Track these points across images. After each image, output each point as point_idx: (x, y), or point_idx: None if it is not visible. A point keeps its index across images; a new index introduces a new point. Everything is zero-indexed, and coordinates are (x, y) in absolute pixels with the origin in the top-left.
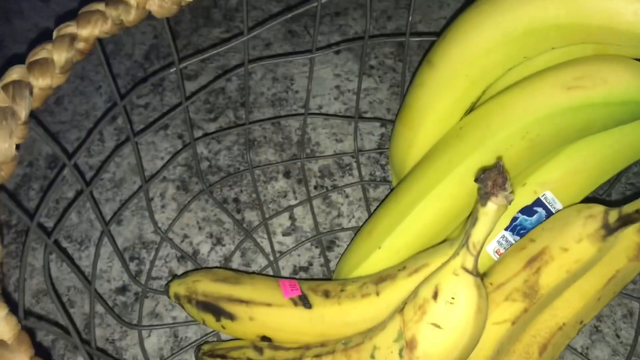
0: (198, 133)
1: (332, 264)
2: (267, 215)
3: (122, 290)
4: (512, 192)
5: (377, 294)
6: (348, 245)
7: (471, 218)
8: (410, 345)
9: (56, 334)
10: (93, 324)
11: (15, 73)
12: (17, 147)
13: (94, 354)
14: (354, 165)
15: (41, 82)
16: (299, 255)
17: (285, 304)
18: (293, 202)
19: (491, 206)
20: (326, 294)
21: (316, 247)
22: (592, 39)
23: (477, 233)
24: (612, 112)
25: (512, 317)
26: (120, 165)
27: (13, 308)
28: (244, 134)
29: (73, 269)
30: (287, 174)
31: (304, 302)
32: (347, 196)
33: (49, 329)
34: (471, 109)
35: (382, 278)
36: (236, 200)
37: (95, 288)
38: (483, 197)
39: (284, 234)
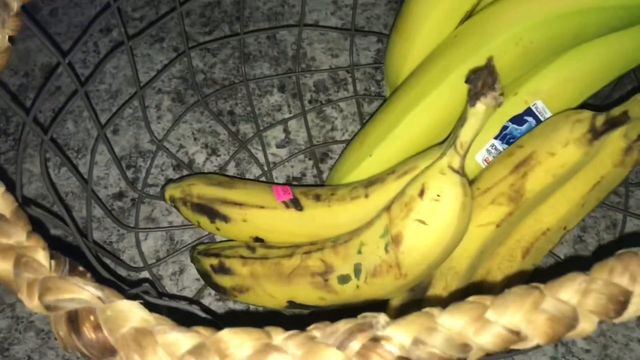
0: (193, 45)
1: (325, 175)
2: (261, 128)
3: (119, 196)
4: (501, 94)
5: (366, 196)
6: (340, 155)
7: (460, 118)
8: (396, 240)
9: (53, 223)
10: (89, 217)
11: None
12: (11, 40)
13: (92, 248)
14: (349, 80)
15: None
16: (292, 166)
17: (277, 207)
18: (287, 116)
19: (480, 106)
20: (317, 197)
21: (309, 159)
22: None
23: (465, 133)
24: (607, 18)
25: (496, 220)
26: (115, 76)
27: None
28: (239, 47)
29: (69, 167)
30: (281, 88)
31: (296, 204)
32: (341, 110)
33: (46, 216)
34: (467, 18)
35: (371, 182)
36: (231, 112)
37: (93, 189)
38: (472, 97)
39: (278, 146)
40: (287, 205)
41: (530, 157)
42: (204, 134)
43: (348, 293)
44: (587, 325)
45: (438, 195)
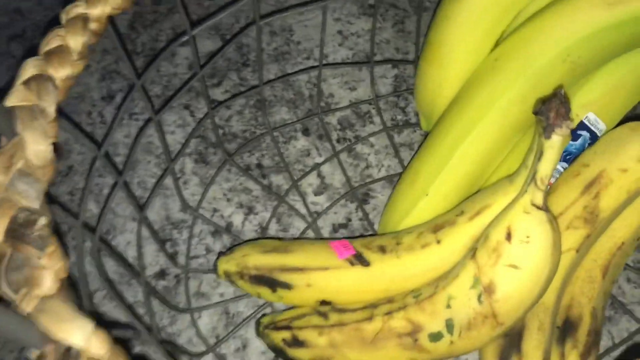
0: (205, 101)
1: (371, 217)
2: (294, 177)
3: (161, 274)
4: (573, 120)
5: (438, 242)
6: (390, 197)
7: (534, 152)
8: (489, 289)
9: (131, 336)
10: (153, 316)
11: (33, 67)
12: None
13: (164, 347)
14: (373, 112)
15: (62, 73)
16: (335, 213)
17: (341, 266)
18: (318, 160)
19: (556, 138)
20: (382, 249)
21: (351, 202)
22: None
23: (544, 167)
24: None
25: (575, 245)
26: (129, 145)
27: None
28: (254, 96)
29: (120, 263)
30: (305, 131)
31: (361, 260)
32: (372, 145)
33: (124, 334)
34: (501, 39)
35: (439, 225)
36: (259, 165)
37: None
38: (546, 129)
39: (316, 194)
40: (351, 263)
41: (601, 175)
42: (236, 192)
43: (441, 350)
44: None
45: (527, 237)
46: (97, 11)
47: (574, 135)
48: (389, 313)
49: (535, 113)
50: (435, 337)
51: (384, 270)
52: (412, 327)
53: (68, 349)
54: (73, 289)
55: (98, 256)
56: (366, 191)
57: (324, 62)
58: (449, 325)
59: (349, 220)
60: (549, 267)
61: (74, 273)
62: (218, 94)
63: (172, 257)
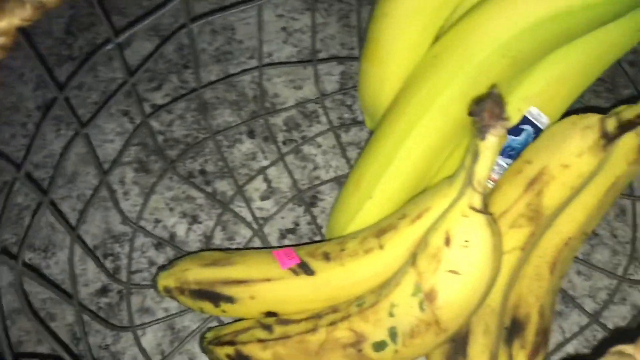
0: (145, 106)
1: (319, 220)
2: (239, 182)
3: (103, 291)
4: (509, 118)
5: (381, 247)
6: (336, 200)
7: (470, 154)
8: (430, 296)
9: None
10: (86, 342)
11: None
12: None
13: None
14: (320, 111)
15: None
16: (282, 217)
17: (285, 276)
18: (264, 163)
19: (491, 139)
20: (326, 257)
21: (299, 205)
22: None
23: (481, 169)
24: (594, 15)
25: (520, 244)
26: (68, 158)
27: None
28: (195, 99)
29: (51, 289)
30: (251, 134)
31: (305, 269)
32: (319, 146)
33: None
34: (440, 34)
35: (382, 230)
36: (202, 172)
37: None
38: (481, 130)
39: (262, 199)
40: (295, 272)
41: (543, 172)
42: (178, 201)
43: (387, 359)
44: None
45: (466, 241)
46: (4, 24)
47: (517, 130)
48: (332, 323)
49: (470, 114)
50: (379, 346)
51: (328, 279)
52: (356, 337)
53: None
54: None
55: (20, 286)
56: (314, 194)
57: (268, 60)
58: (393, 334)
59: (297, 224)
60: (490, 270)
61: None
62: (158, 97)
63: (112, 273)
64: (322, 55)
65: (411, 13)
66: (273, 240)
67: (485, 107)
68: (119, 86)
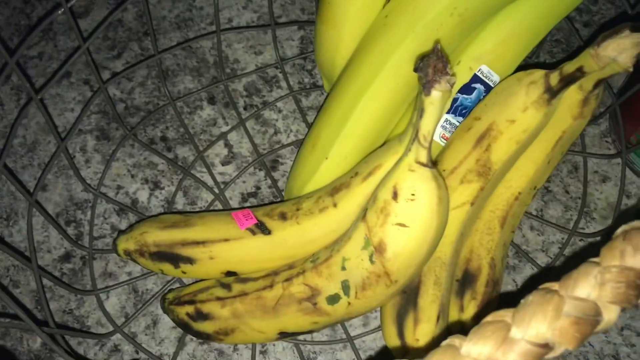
0: (105, 74)
1: (280, 183)
2: (200, 148)
3: (67, 257)
4: (453, 74)
5: (335, 205)
6: (293, 162)
7: (416, 110)
8: (379, 249)
9: (11, 326)
10: (46, 303)
11: None
12: None
13: (55, 333)
14: (280, 76)
15: None
16: (244, 182)
17: (243, 236)
18: (225, 129)
19: (435, 94)
20: (283, 217)
21: (260, 169)
22: None
23: (426, 124)
24: None
25: (470, 199)
26: (28, 126)
27: None
28: (156, 66)
29: (9, 253)
30: (211, 100)
31: (262, 229)
32: (280, 111)
33: (5, 325)
34: None
35: (336, 188)
36: (164, 138)
37: (38, 264)
38: (426, 86)
39: (224, 164)
40: (253, 232)
41: (490, 128)
42: (140, 168)
43: (340, 312)
44: (610, 317)
45: (412, 195)
46: None
47: (469, 89)
48: (288, 279)
49: (415, 70)
50: (333, 299)
51: (284, 238)
52: (311, 291)
53: None
54: None
55: None
56: (275, 158)
57: (228, 26)
58: (345, 287)
59: (258, 188)
60: (437, 223)
61: None
62: (119, 66)
63: (75, 239)
64: (282, 20)
65: None
66: (235, 204)
67: (429, 62)
68: (73, 51)
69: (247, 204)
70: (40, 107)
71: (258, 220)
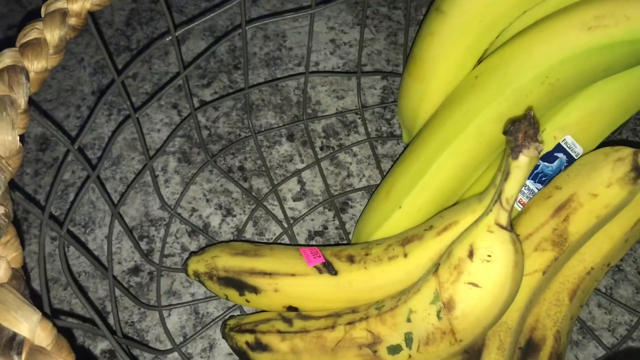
0: (193, 101)
1: (348, 226)
2: (275, 182)
3: (135, 270)
4: (542, 142)
5: (405, 255)
6: (365, 207)
7: (501, 172)
8: (448, 306)
9: (86, 329)
10: (116, 314)
11: (8, 57)
12: (21, 138)
13: (122, 343)
14: (359, 122)
15: (36, 65)
16: (312, 219)
17: (309, 273)
18: (300, 166)
19: (523, 159)
20: (351, 259)
21: (329, 210)
22: None
23: (510, 187)
24: (636, 50)
25: (542, 267)
26: (116, 141)
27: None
28: (242, 98)
29: (89, 259)
30: (290, 137)
31: (329, 269)
32: (355, 155)
33: (80, 327)
34: (484, 57)
35: (408, 239)
36: (241, 168)
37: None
38: (514, 149)
39: (295, 199)
40: (320, 271)
41: (571, 199)
42: (216, 194)
43: None
44: None
45: (489, 256)
46: (77, 6)
47: (551, 158)
48: (351, 323)
49: (504, 133)
50: (394, 349)
51: (350, 280)
52: (372, 338)
53: (13, 337)
54: (26, 279)
55: (62, 250)
56: (345, 200)
57: (314, 69)
58: (408, 339)
59: (326, 228)
60: (510, 287)
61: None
62: (207, 94)
63: (146, 254)
64: (366, 68)
65: (457, 34)
66: (301, 240)
67: (520, 127)
68: (171, 78)
69: (313, 242)
70: (137, 125)
71: (326, 260)
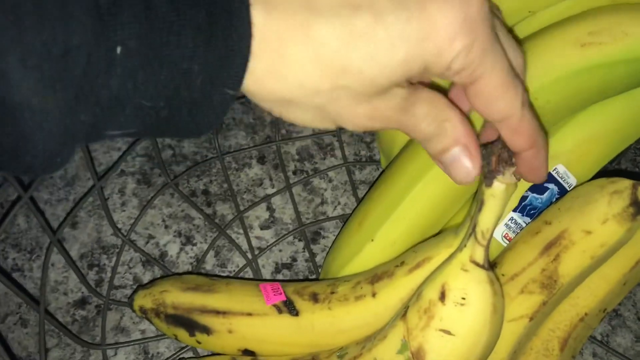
0: None
1: (318, 258)
2: (241, 208)
3: (82, 303)
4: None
5: (373, 295)
6: (336, 238)
7: (476, 202)
8: (417, 356)
9: None
10: (43, 353)
11: None
12: None
13: None
14: (336, 144)
15: None
16: (280, 250)
17: (268, 312)
18: (270, 191)
19: (498, 186)
20: (314, 298)
21: (299, 240)
22: None
23: (485, 219)
24: (635, 70)
25: (529, 312)
26: (72, 160)
27: None
28: None
29: (15, 291)
30: (261, 159)
31: (290, 308)
32: (330, 180)
33: None
34: None
35: (377, 276)
36: (206, 192)
37: (46, 308)
38: (487, 176)
39: (262, 228)
40: (279, 310)
41: (562, 236)
42: (175, 219)
43: None
44: None
45: (463, 298)
46: None
47: (541, 189)
48: None
49: None
50: None
51: (312, 322)
52: None
53: None
54: None
55: None
56: (317, 229)
57: None
58: None
59: (295, 260)
60: (487, 335)
61: None
62: None
63: (94, 285)
64: None
65: None
66: (266, 273)
67: (494, 150)
68: None
69: (280, 276)
70: (85, 147)
71: (287, 298)
